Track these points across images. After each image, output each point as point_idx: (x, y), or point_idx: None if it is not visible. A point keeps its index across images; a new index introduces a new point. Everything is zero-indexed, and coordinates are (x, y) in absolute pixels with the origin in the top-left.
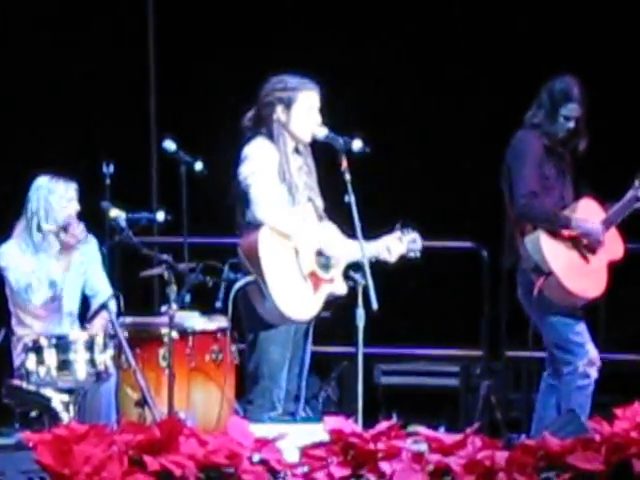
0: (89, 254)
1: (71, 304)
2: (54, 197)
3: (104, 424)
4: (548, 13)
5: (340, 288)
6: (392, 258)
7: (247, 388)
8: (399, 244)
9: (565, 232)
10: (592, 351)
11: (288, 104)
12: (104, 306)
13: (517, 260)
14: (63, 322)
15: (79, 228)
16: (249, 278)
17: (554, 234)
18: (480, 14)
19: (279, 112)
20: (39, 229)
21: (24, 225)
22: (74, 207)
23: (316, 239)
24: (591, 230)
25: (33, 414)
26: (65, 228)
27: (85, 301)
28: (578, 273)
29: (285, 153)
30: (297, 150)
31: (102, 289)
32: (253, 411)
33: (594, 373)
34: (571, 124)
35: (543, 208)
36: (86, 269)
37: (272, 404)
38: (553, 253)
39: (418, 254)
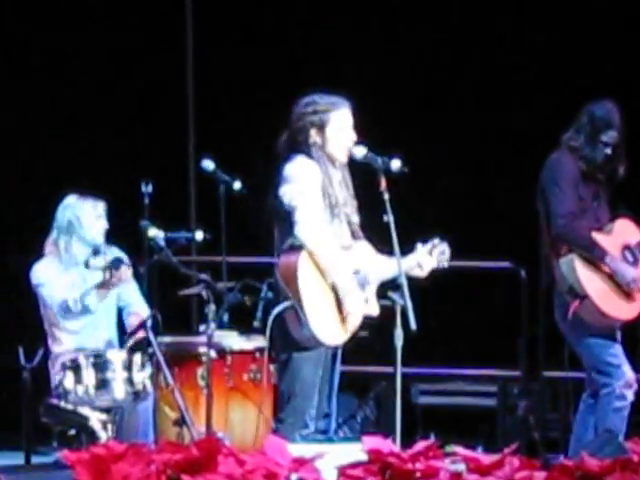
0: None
1: (106, 332)
2: (82, 214)
3: (142, 443)
4: (582, 31)
5: (373, 309)
6: (424, 273)
7: (279, 407)
8: (429, 258)
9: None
10: (629, 373)
11: (321, 126)
12: (143, 325)
13: (553, 281)
14: (98, 335)
15: (127, 271)
16: (287, 303)
17: (589, 258)
18: (517, 31)
19: (314, 135)
20: (67, 249)
21: (52, 243)
22: (102, 225)
23: (352, 259)
24: (624, 273)
25: (71, 433)
26: (116, 267)
27: (121, 318)
28: (613, 295)
29: (327, 172)
30: (334, 165)
31: (134, 300)
32: (285, 430)
33: (631, 395)
34: (609, 150)
35: (582, 232)
36: (119, 292)
37: (304, 423)
38: (588, 276)
39: (446, 264)
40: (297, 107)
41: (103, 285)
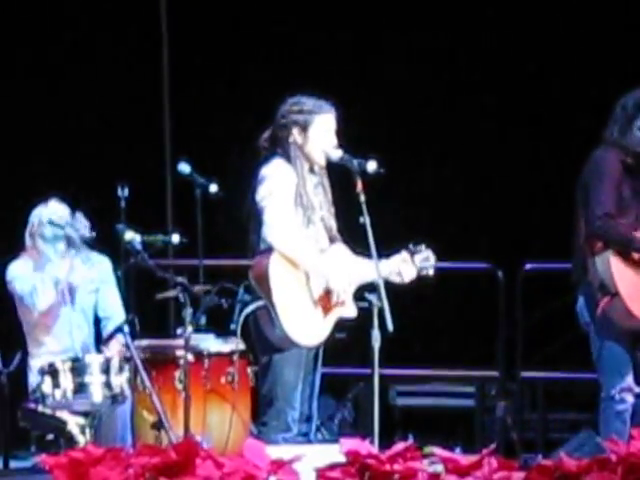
0: (102, 274)
1: (81, 319)
2: (48, 212)
3: (120, 447)
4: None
5: (351, 311)
6: (403, 281)
7: (261, 410)
8: (410, 267)
9: (637, 255)
10: (629, 377)
11: (304, 127)
12: (120, 329)
13: (583, 275)
14: (74, 334)
15: (83, 222)
16: (259, 303)
17: (625, 256)
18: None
19: (295, 134)
20: (38, 250)
21: (27, 243)
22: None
23: (329, 262)
24: None
25: (49, 437)
26: (71, 224)
27: (98, 324)
28: None
29: (302, 174)
30: (312, 170)
31: (116, 311)
32: (267, 433)
33: (630, 398)
34: None
35: (618, 230)
36: (98, 288)
37: (287, 425)
38: (621, 274)
39: (431, 272)
40: (284, 105)
41: (68, 244)
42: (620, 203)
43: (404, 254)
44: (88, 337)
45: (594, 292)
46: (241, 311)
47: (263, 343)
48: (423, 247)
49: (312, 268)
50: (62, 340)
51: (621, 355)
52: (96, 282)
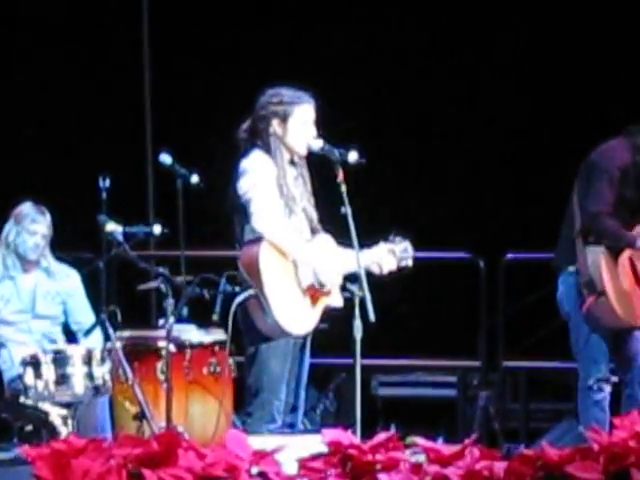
0: (69, 287)
1: (45, 326)
2: (18, 229)
3: (102, 438)
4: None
5: (337, 300)
6: (382, 272)
7: (247, 401)
8: (390, 258)
9: (627, 255)
10: (605, 367)
11: (284, 118)
12: (101, 322)
13: (565, 263)
14: (35, 331)
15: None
16: (250, 292)
17: (616, 255)
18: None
19: (275, 126)
20: (3, 262)
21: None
22: (35, 240)
23: (313, 251)
24: None
25: (28, 428)
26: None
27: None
28: (631, 299)
29: (282, 166)
30: (292, 161)
31: (88, 321)
32: (252, 424)
33: (608, 388)
34: None
35: (610, 225)
36: (65, 300)
37: (272, 416)
38: (611, 274)
39: (410, 262)
40: (262, 96)
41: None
42: (623, 204)
43: (386, 245)
44: (51, 328)
45: (579, 286)
46: (223, 302)
47: (252, 333)
48: (399, 238)
49: (301, 258)
50: (22, 331)
51: (598, 346)
52: (62, 295)
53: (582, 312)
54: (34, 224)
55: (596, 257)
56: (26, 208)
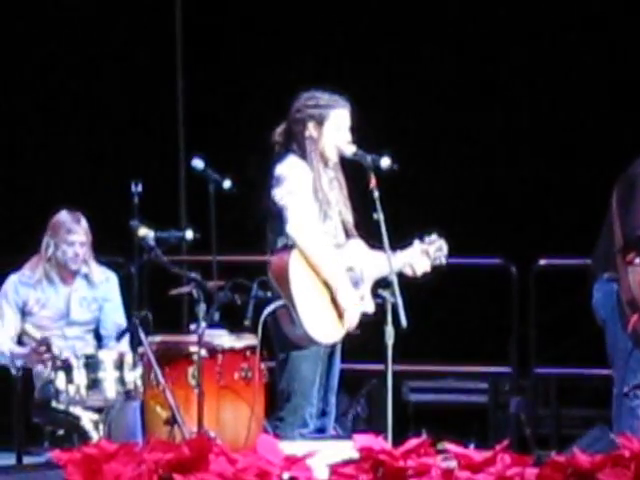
0: (107, 291)
1: (78, 332)
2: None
3: (133, 443)
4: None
5: (369, 306)
6: (416, 274)
7: (278, 406)
8: (424, 259)
9: None
10: None
11: (320, 121)
12: (133, 326)
13: (602, 269)
14: (67, 339)
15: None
16: (279, 303)
17: None
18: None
19: (310, 129)
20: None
21: (39, 257)
22: (74, 250)
23: (346, 257)
24: None
25: (60, 433)
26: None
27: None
28: None
29: (317, 169)
30: (326, 164)
31: (118, 327)
32: (284, 428)
33: None
34: None
35: None
36: (102, 305)
37: (304, 421)
38: None
39: (444, 260)
40: (298, 100)
41: (26, 356)
42: None
43: (420, 246)
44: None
45: (620, 302)
46: (255, 307)
47: (282, 341)
48: (435, 236)
49: (328, 276)
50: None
51: (636, 353)
52: (99, 301)
53: (628, 331)
54: (71, 234)
55: (637, 275)
56: (61, 218)
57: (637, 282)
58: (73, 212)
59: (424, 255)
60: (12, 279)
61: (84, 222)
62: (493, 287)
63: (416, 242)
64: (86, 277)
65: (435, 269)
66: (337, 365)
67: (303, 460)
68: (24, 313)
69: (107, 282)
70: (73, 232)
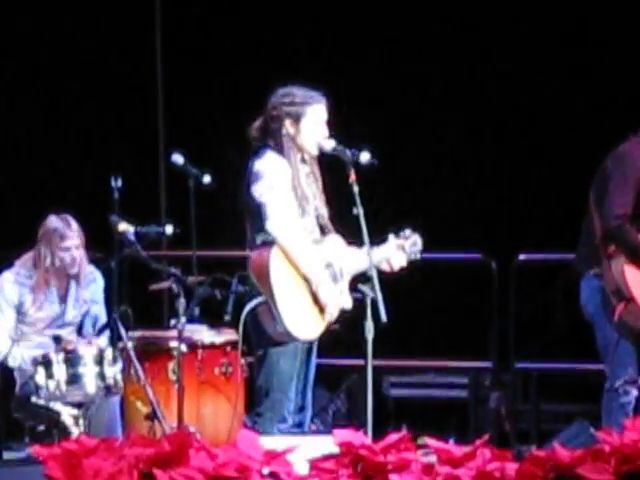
0: (94, 293)
1: (67, 331)
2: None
3: (113, 438)
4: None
5: (347, 302)
6: (393, 269)
7: (257, 401)
8: (400, 254)
9: None
10: (633, 370)
11: (296, 118)
12: (113, 321)
13: (587, 266)
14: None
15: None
16: (260, 299)
17: (636, 263)
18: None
19: (287, 126)
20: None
21: (31, 257)
22: (70, 254)
23: (324, 253)
24: None
25: (41, 428)
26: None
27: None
28: None
29: (295, 166)
30: (303, 159)
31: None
32: (263, 423)
33: (634, 391)
34: None
35: (632, 236)
36: (89, 308)
37: (282, 416)
38: (635, 280)
39: (419, 255)
40: (274, 96)
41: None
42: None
43: (396, 241)
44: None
45: (606, 294)
46: (235, 302)
47: (260, 337)
48: (409, 231)
49: (308, 271)
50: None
51: (628, 349)
52: (89, 303)
53: (614, 320)
54: (65, 240)
55: (619, 267)
56: (52, 225)
57: (620, 271)
58: (61, 216)
59: (400, 250)
60: (7, 277)
61: (74, 224)
62: (473, 282)
63: (391, 237)
64: (75, 277)
65: (411, 264)
66: (314, 360)
67: (283, 455)
68: (19, 313)
69: (94, 282)
70: (67, 238)
